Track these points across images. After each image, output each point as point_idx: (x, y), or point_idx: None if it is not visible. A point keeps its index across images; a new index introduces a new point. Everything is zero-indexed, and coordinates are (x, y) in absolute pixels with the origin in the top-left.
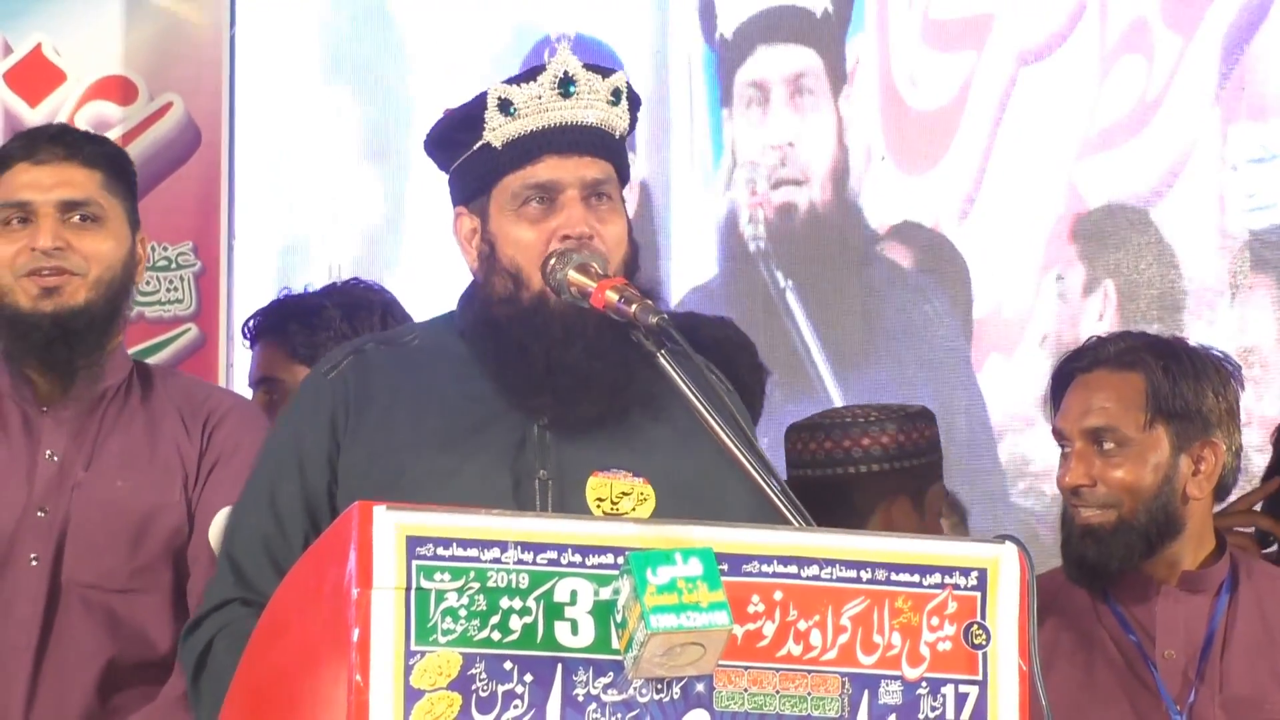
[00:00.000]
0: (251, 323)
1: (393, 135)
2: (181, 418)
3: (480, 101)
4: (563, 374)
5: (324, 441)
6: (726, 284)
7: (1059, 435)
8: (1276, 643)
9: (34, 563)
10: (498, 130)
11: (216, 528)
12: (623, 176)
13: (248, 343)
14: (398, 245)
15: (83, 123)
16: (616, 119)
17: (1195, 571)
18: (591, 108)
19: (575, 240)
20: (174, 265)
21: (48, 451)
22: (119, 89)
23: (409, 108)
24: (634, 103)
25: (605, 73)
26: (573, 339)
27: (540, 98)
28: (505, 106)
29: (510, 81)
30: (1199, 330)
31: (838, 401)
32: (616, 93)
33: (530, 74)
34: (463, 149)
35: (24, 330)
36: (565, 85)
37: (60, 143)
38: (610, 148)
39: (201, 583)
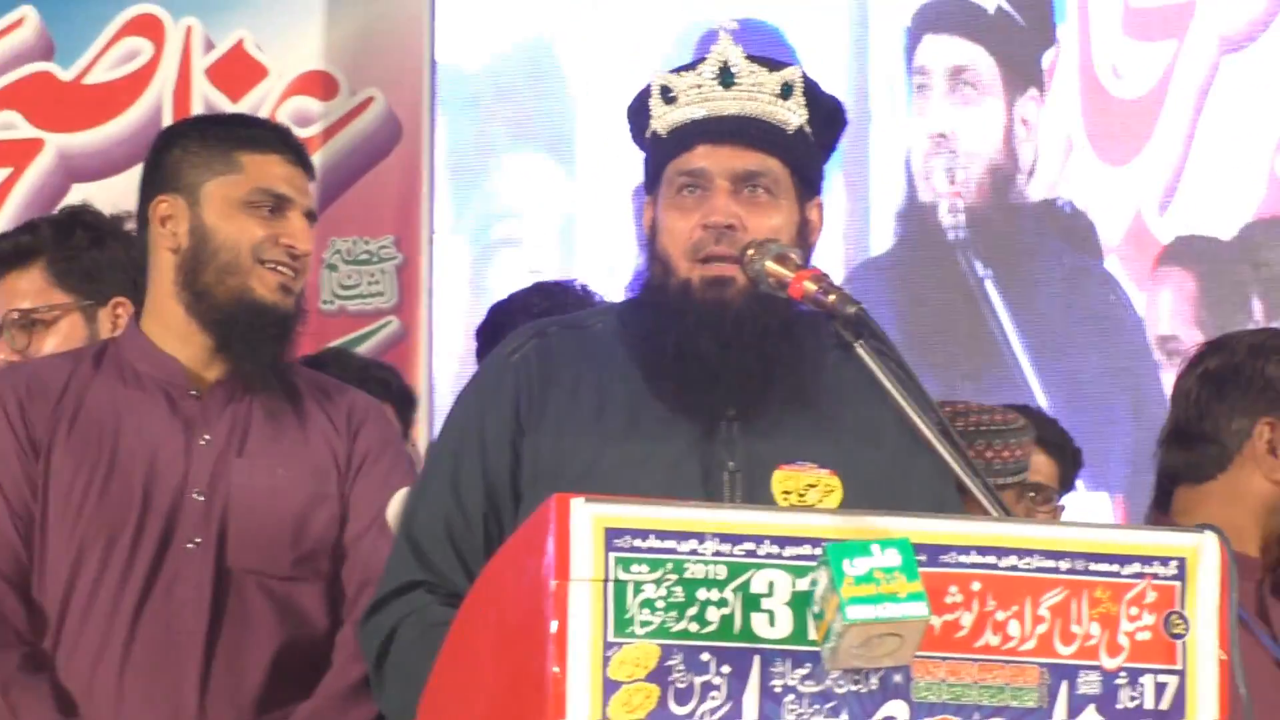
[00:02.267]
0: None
1: (589, 131)
2: (326, 414)
3: (647, 90)
4: (691, 363)
5: (508, 424)
6: (924, 272)
7: None
8: None
9: (192, 546)
10: (662, 118)
11: (394, 508)
12: (800, 172)
13: None
14: (594, 239)
15: (284, 117)
16: (786, 112)
17: None
18: (754, 99)
19: (715, 230)
20: (375, 259)
21: (205, 436)
22: (320, 84)
23: (608, 102)
24: (815, 99)
25: (775, 66)
26: (703, 329)
27: (700, 86)
28: (666, 93)
29: (673, 70)
30: None
31: (1038, 393)
32: (786, 87)
33: (693, 63)
34: (641, 139)
35: (261, 321)
36: (725, 75)
37: (297, 149)
38: (775, 141)
39: (357, 570)
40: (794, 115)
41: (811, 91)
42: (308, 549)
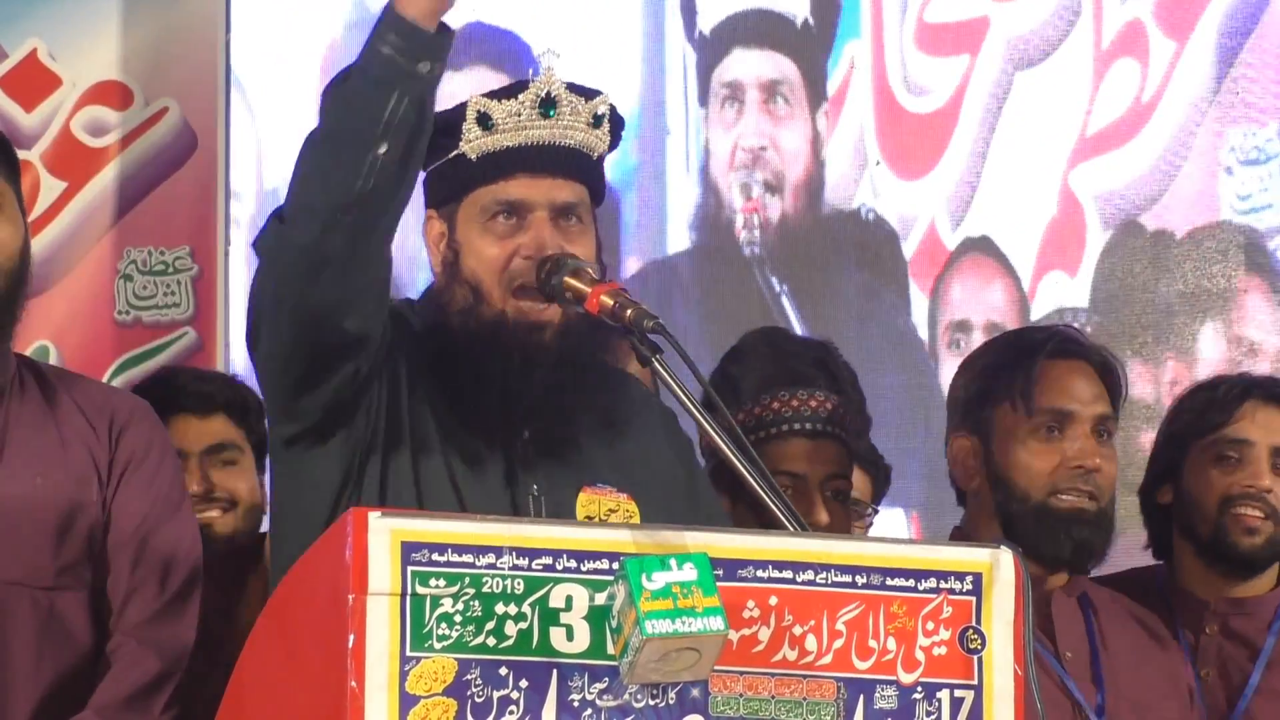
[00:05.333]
0: None
1: None
2: (86, 418)
3: (460, 112)
4: (515, 402)
5: None
6: (722, 289)
7: (1056, 415)
8: (1147, 643)
9: None
10: (474, 143)
11: None
12: (596, 197)
13: None
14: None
15: (79, 127)
16: (596, 141)
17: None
18: (571, 129)
19: (539, 262)
20: (171, 269)
21: None
22: (115, 94)
23: None
24: (616, 124)
25: (589, 95)
26: (530, 368)
27: (519, 115)
28: (484, 120)
29: (492, 96)
30: (1192, 333)
31: None
32: (598, 117)
33: (512, 90)
34: (439, 154)
35: None
36: (546, 106)
37: None
38: (585, 169)
39: (122, 581)
40: (600, 143)
41: (614, 118)
42: (70, 558)
